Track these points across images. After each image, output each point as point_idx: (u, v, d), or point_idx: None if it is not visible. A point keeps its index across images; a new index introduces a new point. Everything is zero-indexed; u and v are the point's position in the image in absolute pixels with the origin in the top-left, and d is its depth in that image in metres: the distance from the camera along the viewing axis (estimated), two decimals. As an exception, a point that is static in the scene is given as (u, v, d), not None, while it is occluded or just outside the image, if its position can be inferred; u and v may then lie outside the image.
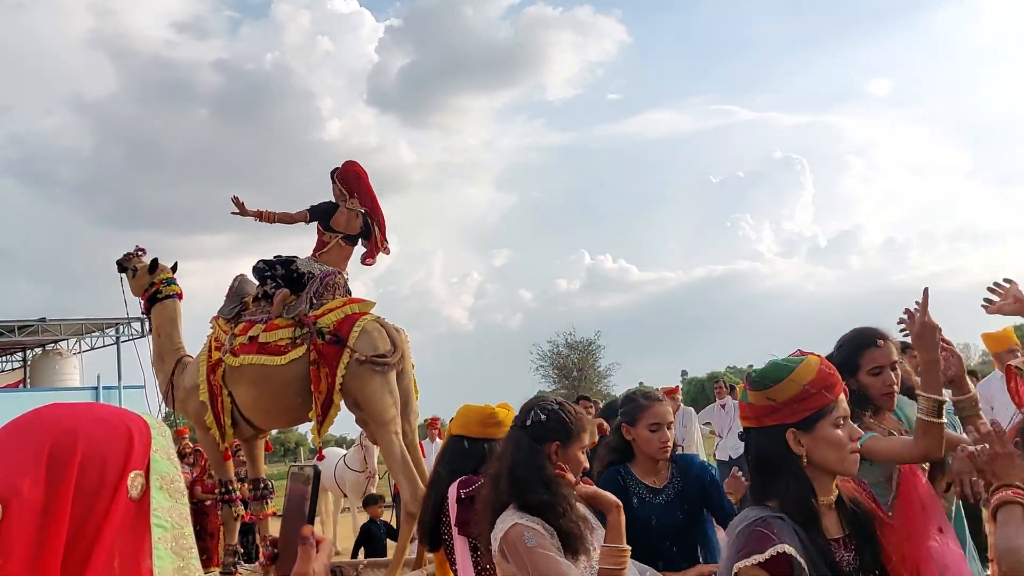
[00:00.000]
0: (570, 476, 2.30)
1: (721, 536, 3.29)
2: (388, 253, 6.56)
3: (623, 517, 2.20)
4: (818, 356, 1.91)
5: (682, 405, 10.05)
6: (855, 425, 1.89)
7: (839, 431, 1.83)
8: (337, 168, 6.43)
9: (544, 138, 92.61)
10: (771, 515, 1.76)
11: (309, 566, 1.29)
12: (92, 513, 0.98)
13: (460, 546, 2.95)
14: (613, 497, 2.22)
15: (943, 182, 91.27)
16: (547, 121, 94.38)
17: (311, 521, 1.36)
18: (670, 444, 3.01)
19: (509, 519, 2.27)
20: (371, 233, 6.40)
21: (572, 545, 2.24)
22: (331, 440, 24.04)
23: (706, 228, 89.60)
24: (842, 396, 1.87)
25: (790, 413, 1.83)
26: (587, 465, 2.45)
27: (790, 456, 1.82)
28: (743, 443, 1.98)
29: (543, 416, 2.41)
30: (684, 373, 49.88)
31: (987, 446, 1.98)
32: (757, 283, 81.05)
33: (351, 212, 6.30)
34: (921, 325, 2.53)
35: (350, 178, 6.38)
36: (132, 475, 1.02)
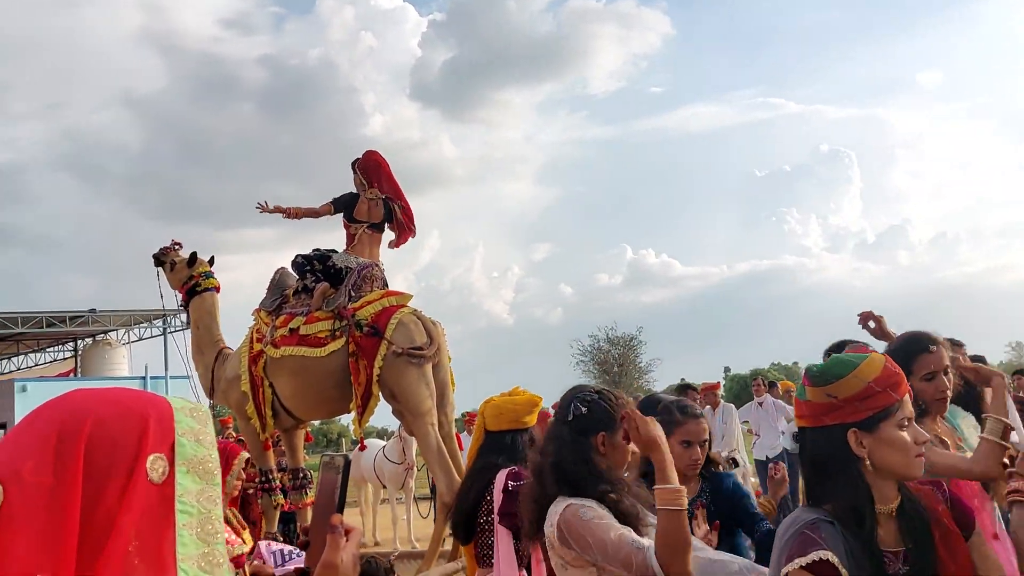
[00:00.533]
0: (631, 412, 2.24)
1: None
2: (414, 235, 6.64)
3: (669, 456, 2.13)
4: (883, 354, 1.84)
5: (722, 402, 9.92)
6: (920, 428, 1.79)
7: (904, 433, 1.73)
8: (357, 159, 6.52)
9: (586, 132, 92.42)
10: (821, 518, 1.68)
11: (337, 555, 1.29)
12: (104, 495, 0.95)
13: (503, 535, 2.95)
14: (657, 440, 2.15)
15: (994, 176, 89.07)
16: (589, 115, 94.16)
17: (340, 510, 1.37)
18: (700, 462, 2.90)
19: (562, 503, 2.25)
20: (394, 216, 6.48)
21: (631, 524, 2.22)
22: (372, 431, 24.25)
23: (750, 223, 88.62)
24: (907, 397, 1.78)
25: (852, 412, 1.73)
26: (636, 449, 2.36)
27: (849, 458, 1.72)
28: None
29: (584, 408, 2.36)
30: (727, 369, 49.42)
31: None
32: (803, 278, 79.97)
33: (371, 201, 6.40)
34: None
35: (370, 167, 6.47)
36: (151, 458, 0.99)
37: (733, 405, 10.29)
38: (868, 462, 1.72)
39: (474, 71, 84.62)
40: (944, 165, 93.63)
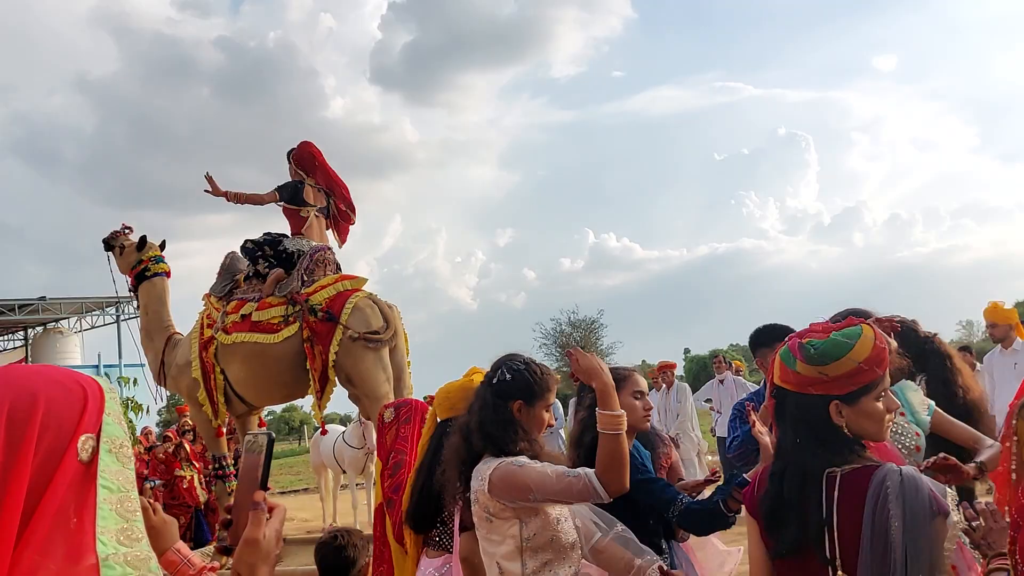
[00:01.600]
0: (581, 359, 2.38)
1: None
2: (353, 223, 6.63)
3: (611, 383, 2.32)
4: (872, 328, 1.90)
5: (676, 381, 10.05)
6: (891, 396, 1.93)
7: (879, 404, 1.87)
8: (293, 149, 6.49)
9: (548, 116, 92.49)
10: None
11: (260, 530, 1.29)
12: (41, 474, 0.98)
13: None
14: (598, 368, 2.33)
15: (949, 158, 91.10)
16: (551, 99, 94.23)
17: (264, 487, 1.35)
18: (650, 410, 3.05)
19: (492, 461, 2.39)
20: (329, 211, 6.48)
21: None
22: (336, 418, 24.12)
23: (710, 206, 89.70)
24: (888, 369, 1.90)
25: (838, 387, 1.85)
26: (553, 423, 2.56)
27: (832, 423, 1.85)
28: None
29: (508, 376, 2.50)
30: (687, 351, 49.87)
31: (983, 522, 2.02)
32: (761, 260, 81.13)
33: (315, 188, 6.40)
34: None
35: (305, 158, 6.46)
36: (83, 438, 1.02)
37: (687, 384, 10.43)
38: (845, 429, 1.85)
39: (435, 54, 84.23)
40: (900, 148, 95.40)
